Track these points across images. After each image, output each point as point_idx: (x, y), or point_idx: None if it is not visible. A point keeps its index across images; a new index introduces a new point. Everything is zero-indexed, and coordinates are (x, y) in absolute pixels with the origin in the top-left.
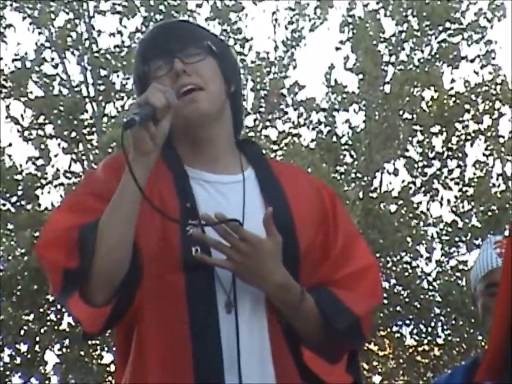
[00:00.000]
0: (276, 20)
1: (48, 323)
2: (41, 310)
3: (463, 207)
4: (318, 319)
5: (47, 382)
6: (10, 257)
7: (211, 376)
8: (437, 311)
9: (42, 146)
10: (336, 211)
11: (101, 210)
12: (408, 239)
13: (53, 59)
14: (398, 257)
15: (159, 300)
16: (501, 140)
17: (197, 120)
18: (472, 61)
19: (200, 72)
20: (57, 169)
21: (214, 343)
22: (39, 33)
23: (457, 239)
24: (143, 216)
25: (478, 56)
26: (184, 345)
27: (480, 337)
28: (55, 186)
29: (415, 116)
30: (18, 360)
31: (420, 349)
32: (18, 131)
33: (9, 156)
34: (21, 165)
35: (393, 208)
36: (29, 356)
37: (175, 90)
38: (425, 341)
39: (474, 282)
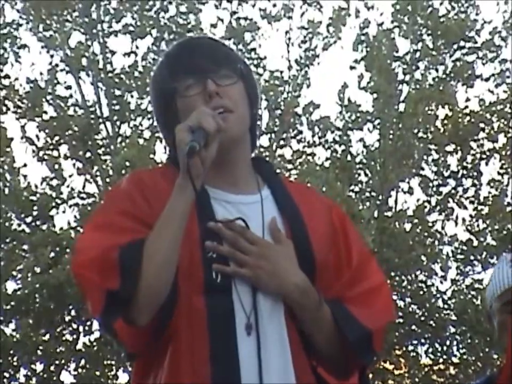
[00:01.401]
0: (289, 38)
1: (64, 343)
2: (58, 329)
3: (478, 225)
4: (331, 329)
5: None
6: (28, 276)
7: None
8: (452, 329)
9: (57, 166)
10: (346, 231)
11: (134, 230)
12: (423, 257)
13: (65, 82)
14: (413, 276)
15: (186, 320)
16: None
17: (226, 143)
18: (487, 79)
19: (231, 95)
20: (72, 189)
21: (232, 367)
22: (52, 55)
23: (472, 257)
24: None
25: (493, 74)
26: (205, 369)
27: (495, 356)
28: (70, 206)
29: (429, 134)
30: (33, 381)
31: (435, 368)
32: (33, 151)
33: (24, 176)
34: (36, 186)
35: (408, 227)
36: (44, 375)
37: None
38: (441, 360)
39: (491, 300)
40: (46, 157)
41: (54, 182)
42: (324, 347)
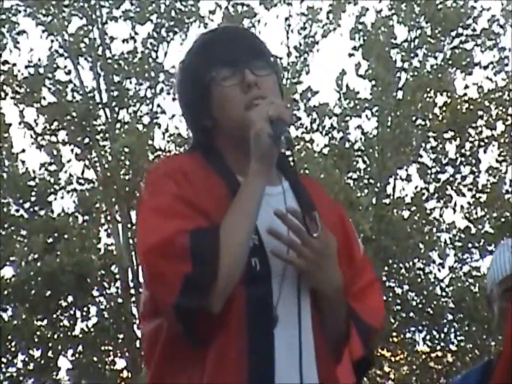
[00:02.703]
0: (289, 25)
1: (61, 329)
2: (54, 315)
3: (476, 213)
4: (342, 320)
5: None
6: (23, 263)
7: None
8: (450, 317)
9: (55, 152)
10: (347, 229)
11: (193, 216)
12: (421, 245)
13: (65, 66)
14: (411, 264)
15: (225, 309)
16: None
17: None
18: (485, 67)
19: (268, 86)
20: (71, 175)
21: (268, 356)
22: (52, 40)
23: (470, 245)
24: None
25: (491, 62)
26: (241, 359)
27: (493, 343)
28: (68, 192)
29: (428, 122)
30: (31, 366)
31: (432, 355)
32: (31, 137)
33: (23, 161)
34: (34, 171)
35: (406, 214)
36: (42, 361)
37: (246, 102)
38: (438, 347)
39: (491, 285)
40: (44, 143)
41: (52, 168)
42: (328, 332)
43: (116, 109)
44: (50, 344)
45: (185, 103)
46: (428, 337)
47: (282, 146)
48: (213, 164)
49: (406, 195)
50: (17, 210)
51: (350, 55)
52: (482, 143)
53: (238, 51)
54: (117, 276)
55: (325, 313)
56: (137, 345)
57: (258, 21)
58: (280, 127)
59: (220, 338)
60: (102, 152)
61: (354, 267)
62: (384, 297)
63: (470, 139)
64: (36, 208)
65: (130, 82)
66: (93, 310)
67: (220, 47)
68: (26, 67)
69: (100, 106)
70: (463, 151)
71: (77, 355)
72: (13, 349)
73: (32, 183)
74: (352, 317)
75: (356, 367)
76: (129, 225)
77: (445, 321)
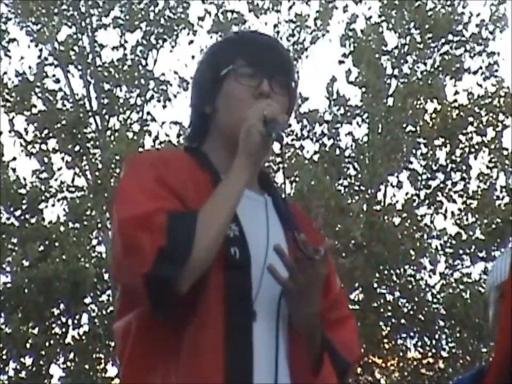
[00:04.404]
0: (278, 32)
1: (53, 336)
2: (47, 323)
3: (467, 219)
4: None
5: None
6: (18, 269)
7: (240, 375)
8: (441, 323)
9: (46, 160)
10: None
11: (171, 200)
12: (412, 251)
13: (53, 75)
14: (402, 270)
15: (203, 295)
16: (505, 152)
17: None
18: (475, 73)
19: (277, 104)
20: (61, 183)
21: (246, 345)
22: (40, 49)
23: (461, 251)
24: None
25: (481, 68)
26: (218, 345)
27: (484, 350)
28: (59, 200)
29: (418, 128)
30: (23, 374)
31: (424, 361)
32: (21, 145)
33: (13, 169)
34: (24, 179)
35: (397, 220)
36: (34, 369)
37: (250, 107)
38: (430, 354)
39: (489, 289)
40: (35, 151)
41: (43, 176)
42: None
43: (106, 116)
44: (42, 352)
45: (197, 82)
46: (419, 343)
47: (272, 142)
48: (197, 160)
49: (397, 201)
50: (8, 219)
51: (340, 62)
52: (472, 149)
53: (267, 58)
54: (109, 284)
55: (304, 334)
56: None
57: (249, 28)
58: (273, 127)
59: (195, 330)
60: (93, 160)
61: (331, 297)
62: (375, 304)
63: (461, 145)
64: (27, 216)
65: (121, 90)
66: (85, 317)
67: (253, 46)
68: (16, 75)
69: (90, 114)
70: (453, 157)
71: (68, 363)
72: (4, 357)
73: (23, 191)
74: (329, 350)
75: None
76: None
77: (436, 327)
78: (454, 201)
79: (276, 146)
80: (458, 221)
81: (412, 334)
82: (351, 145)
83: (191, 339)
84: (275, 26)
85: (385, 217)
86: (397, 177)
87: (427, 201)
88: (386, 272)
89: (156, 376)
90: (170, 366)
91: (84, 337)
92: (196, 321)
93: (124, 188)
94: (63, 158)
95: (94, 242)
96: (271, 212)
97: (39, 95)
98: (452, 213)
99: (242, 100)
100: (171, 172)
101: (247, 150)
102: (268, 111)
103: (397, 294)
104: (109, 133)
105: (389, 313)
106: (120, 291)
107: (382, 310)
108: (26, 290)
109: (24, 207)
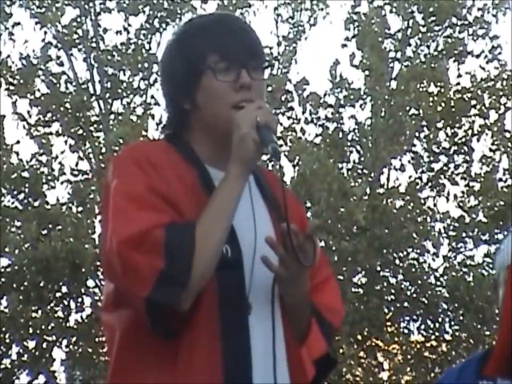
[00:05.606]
0: (278, 15)
1: (56, 320)
2: (49, 306)
3: (469, 202)
4: (305, 322)
5: (54, 379)
6: (16, 251)
7: (239, 375)
8: (444, 306)
9: (46, 142)
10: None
11: (165, 210)
12: (415, 234)
13: (58, 57)
14: (405, 253)
15: (197, 299)
16: (507, 135)
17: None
18: (477, 56)
19: (259, 90)
20: (63, 165)
21: (243, 343)
22: (45, 32)
23: (464, 234)
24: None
25: (483, 51)
26: (215, 345)
27: (487, 333)
28: (62, 183)
29: (421, 111)
30: (25, 357)
31: (427, 344)
32: (24, 128)
33: (17, 153)
34: (27, 162)
35: (399, 204)
36: (36, 352)
37: (234, 101)
38: (433, 337)
39: (499, 269)
40: (38, 134)
41: (45, 158)
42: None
43: (110, 100)
44: (44, 335)
45: (170, 77)
46: (422, 326)
47: (268, 154)
48: (181, 152)
49: (400, 185)
50: (12, 202)
51: (343, 45)
52: (475, 132)
53: (239, 47)
54: None
55: (290, 313)
56: None
57: (248, 11)
58: (267, 136)
59: (191, 332)
60: (96, 143)
61: (314, 267)
62: (378, 287)
63: (463, 128)
64: (30, 199)
65: (124, 74)
66: (87, 301)
67: (221, 36)
68: (20, 58)
69: (93, 97)
70: (456, 140)
71: (71, 346)
72: (7, 341)
73: (26, 174)
74: (315, 316)
75: (320, 364)
76: None
77: (439, 310)
78: (457, 184)
79: (278, 129)
80: (461, 204)
81: (415, 317)
82: (354, 129)
83: (186, 340)
84: (275, 8)
85: (388, 201)
86: (400, 160)
87: (430, 184)
88: (389, 255)
89: (148, 377)
90: (164, 368)
91: (86, 321)
92: (190, 322)
93: (114, 197)
94: (66, 141)
95: (96, 224)
96: (255, 191)
97: (43, 78)
98: (455, 195)
99: (223, 97)
100: (159, 174)
101: (241, 158)
102: (261, 117)
103: (400, 277)
104: (112, 116)
105: (392, 297)
106: (113, 288)
107: (385, 293)
108: (25, 271)
109: (27, 190)
